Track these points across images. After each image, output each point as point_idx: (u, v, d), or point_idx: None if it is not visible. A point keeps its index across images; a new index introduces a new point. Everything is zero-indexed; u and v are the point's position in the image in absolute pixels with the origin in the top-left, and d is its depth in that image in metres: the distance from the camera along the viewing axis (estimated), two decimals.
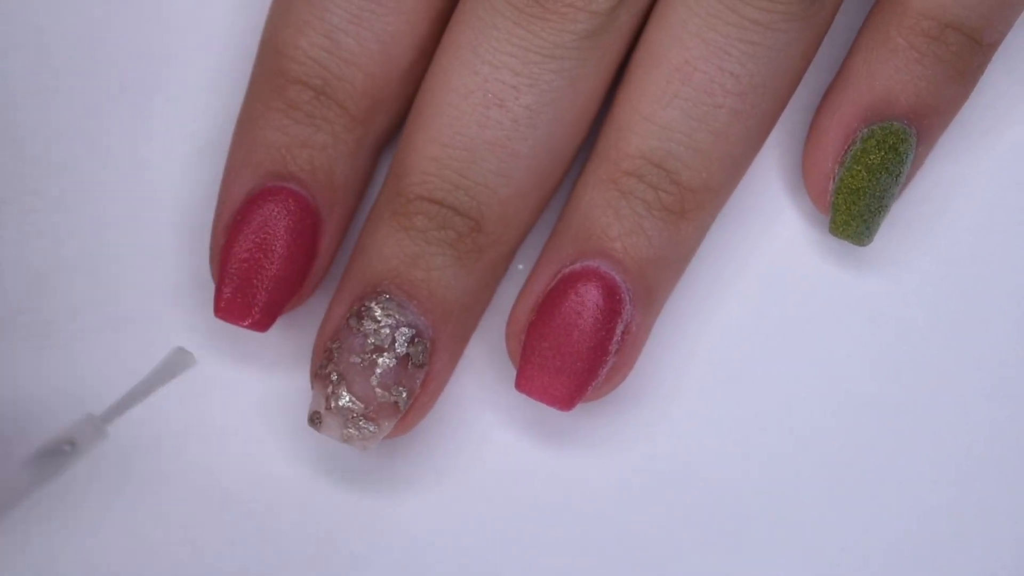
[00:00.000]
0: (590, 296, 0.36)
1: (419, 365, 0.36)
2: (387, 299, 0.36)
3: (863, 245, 0.38)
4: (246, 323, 0.37)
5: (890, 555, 0.39)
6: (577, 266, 0.37)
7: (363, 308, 0.36)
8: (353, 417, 0.36)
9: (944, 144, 0.40)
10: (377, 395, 0.36)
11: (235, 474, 0.39)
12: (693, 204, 0.37)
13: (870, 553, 0.39)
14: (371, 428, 0.36)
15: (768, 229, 0.40)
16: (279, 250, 0.37)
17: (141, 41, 0.40)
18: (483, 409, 0.39)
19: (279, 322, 0.39)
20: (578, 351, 0.36)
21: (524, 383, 0.37)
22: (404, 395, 0.36)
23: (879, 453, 0.39)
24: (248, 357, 0.39)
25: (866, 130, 0.38)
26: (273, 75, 0.37)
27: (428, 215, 0.37)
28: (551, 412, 0.39)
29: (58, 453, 0.33)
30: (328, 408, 0.36)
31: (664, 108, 0.37)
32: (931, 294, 0.40)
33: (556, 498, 0.39)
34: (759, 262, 0.40)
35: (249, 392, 0.39)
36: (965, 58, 0.37)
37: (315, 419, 0.36)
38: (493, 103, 0.36)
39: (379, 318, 0.36)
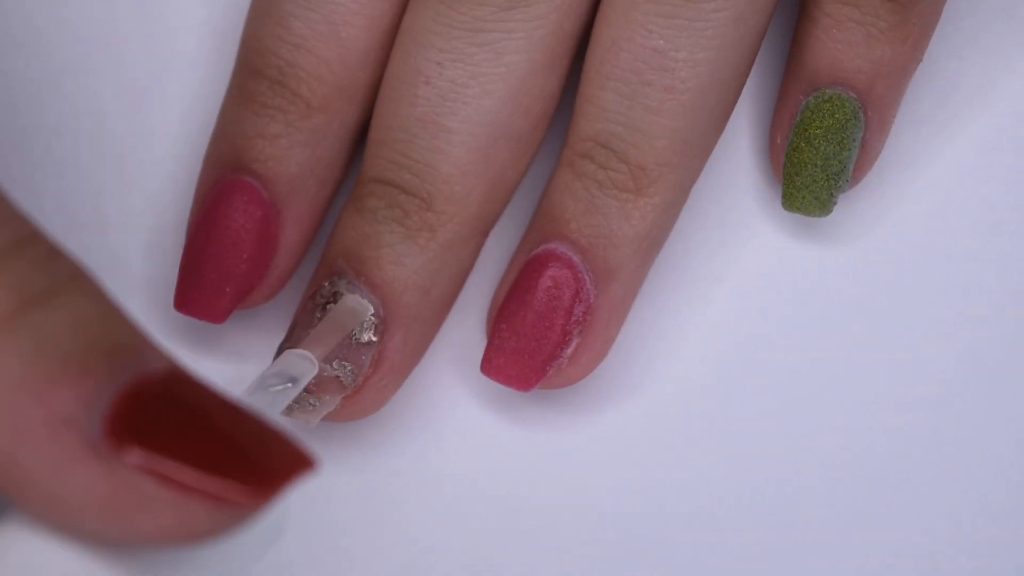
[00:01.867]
0: (545, 277, 0.37)
1: (365, 343, 0.37)
2: (337, 279, 0.37)
3: (819, 216, 0.38)
4: (201, 315, 0.38)
5: (890, 555, 0.38)
6: (540, 250, 0.37)
7: (319, 289, 0.37)
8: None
9: (945, 142, 0.40)
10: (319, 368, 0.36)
11: None
12: (647, 181, 0.37)
13: (870, 553, 0.38)
14: (311, 401, 0.36)
15: (765, 226, 0.40)
16: (234, 244, 0.37)
17: (141, 41, 0.41)
18: (485, 409, 0.39)
19: (275, 319, 0.40)
20: (532, 331, 0.37)
21: (485, 365, 0.37)
22: (348, 369, 0.36)
23: (879, 454, 0.39)
24: (249, 359, 0.40)
25: (803, 101, 0.38)
26: (239, 69, 0.38)
27: (378, 195, 0.37)
28: (551, 410, 0.39)
29: (279, 390, 0.34)
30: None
31: (600, 90, 0.37)
32: (931, 293, 0.40)
33: (558, 498, 0.39)
34: (759, 261, 0.40)
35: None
36: (885, 16, 0.37)
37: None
38: (420, 81, 0.37)
39: (327, 295, 0.37)
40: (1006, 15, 0.40)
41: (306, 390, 0.36)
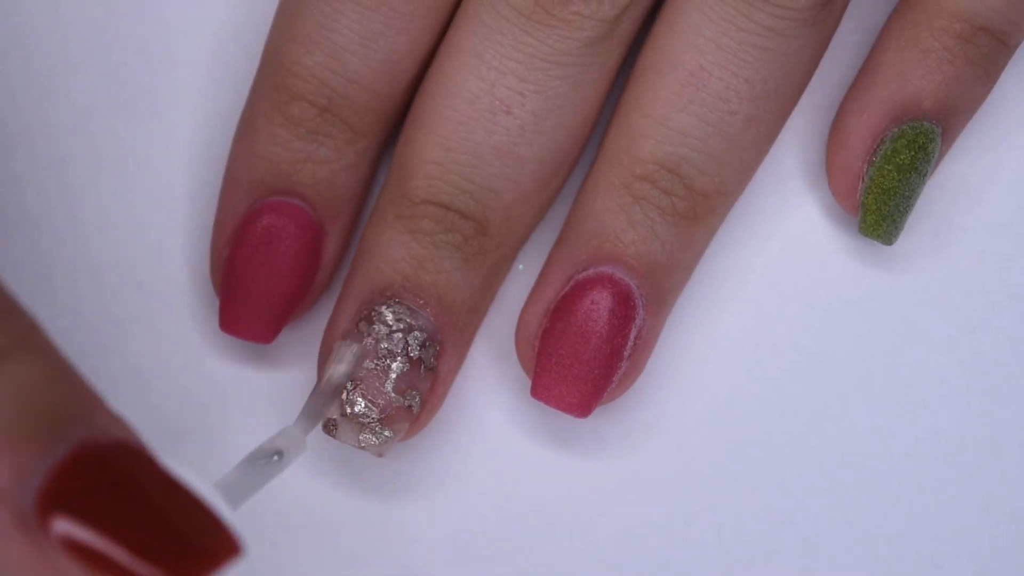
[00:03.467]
0: (605, 303, 0.37)
1: (430, 368, 0.36)
2: (397, 303, 0.36)
3: (890, 244, 0.38)
4: (250, 337, 0.37)
5: (893, 557, 0.39)
6: (591, 272, 0.37)
7: (373, 312, 0.36)
8: (368, 423, 0.36)
9: (956, 144, 0.40)
10: (392, 400, 0.36)
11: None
12: (705, 209, 0.37)
13: (875, 555, 0.39)
14: (387, 433, 0.36)
15: (782, 229, 0.40)
16: (282, 265, 0.37)
17: (142, 42, 0.40)
18: (486, 410, 0.39)
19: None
20: (595, 358, 0.37)
21: (541, 391, 0.37)
22: (417, 399, 0.36)
23: (888, 455, 0.40)
24: (249, 359, 0.39)
25: (896, 130, 0.38)
26: (276, 90, 0.37)
27: (434, 218, 0.37)
28: (553, 414, 0.39)
29: (267, 463, 0.33)
30: (344, 415, 0.36)
31: (679, 113, 0.37)
32: (945, 294, 0.40)
33: (559, 500, 0.39)
34: (771, 263, 0.40)
35: (250, 393, 0.39)
36: (992, 60, 0.38)
37: (331, 426, 0.36)
38: (500, 109, 0.37)
39: (390, 322, 0.36)
40: None
41: (380, 422, 0.36)
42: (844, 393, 0.40)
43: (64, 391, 0.26)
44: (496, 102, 0.37)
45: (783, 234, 0.40)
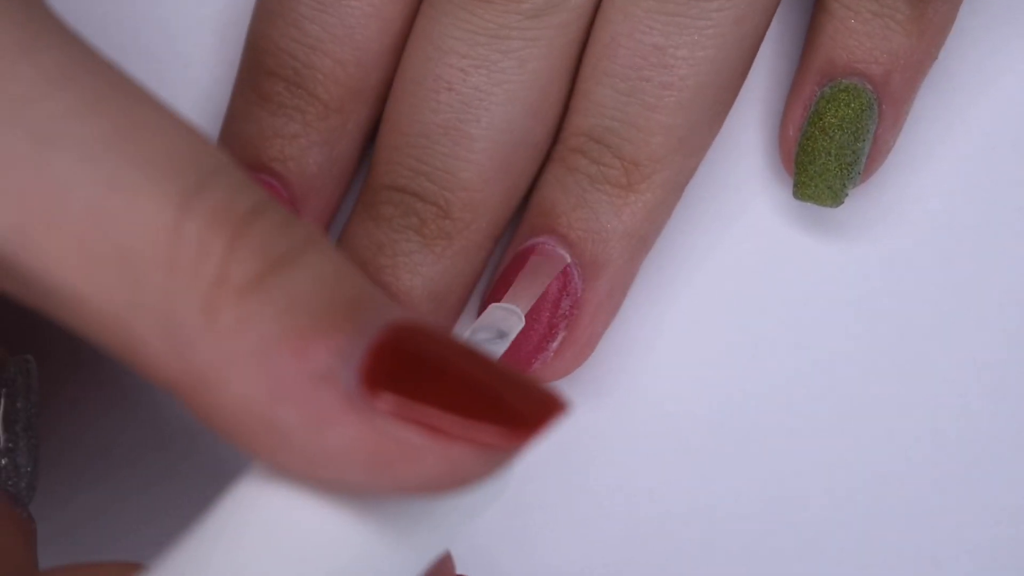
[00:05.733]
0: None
1: None
2: None
3: (830, 206, 0.38)
4: None
5: (890, 553, 0.40)
6: (528, 244, 0.38)
7: None
8: None
9: (948, 142, 0.41)
10: None
11: (239, 473, 0.39)
12: (639, 177, 0.38)
13: (871, 554, 0.40)
14: None
15: (771, 225, 0.41)
16: None
17: (140, 40, 0.40)
18: None
19: None
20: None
21: None
22: None
23: (880, 453, 0.40)
24: None
25: (818, 91, 0.38)
26: (249, 68, 0.38)
27: (393, 203, 0.37)
28: None
29: (491, 342, 0.34)
30: None
31: (596, 85, 0.38)
32: (933, 292, 0.40)
33: (558, 498, 0.40)
34: (760, 259, 0.40)
35: None
36: (903, 9, 0.38)
37: None
38: (443, 87, 0.37)
39: None
40: (1009, 15, 0.41)
41: None
42: (843, 393, 0.40)
43: (360, 281, 0.27)
44: (440, 80, 0.37)
45: (784, 234, 0.41)
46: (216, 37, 0.41)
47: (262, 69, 0.38)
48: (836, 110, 0.38)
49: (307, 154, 0.38)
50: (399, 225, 0.37)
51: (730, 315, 0.40)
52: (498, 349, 0.34)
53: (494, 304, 0.36)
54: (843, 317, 0.40)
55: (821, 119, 0.38)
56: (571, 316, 0.38)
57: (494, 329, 0.34)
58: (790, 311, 0.40)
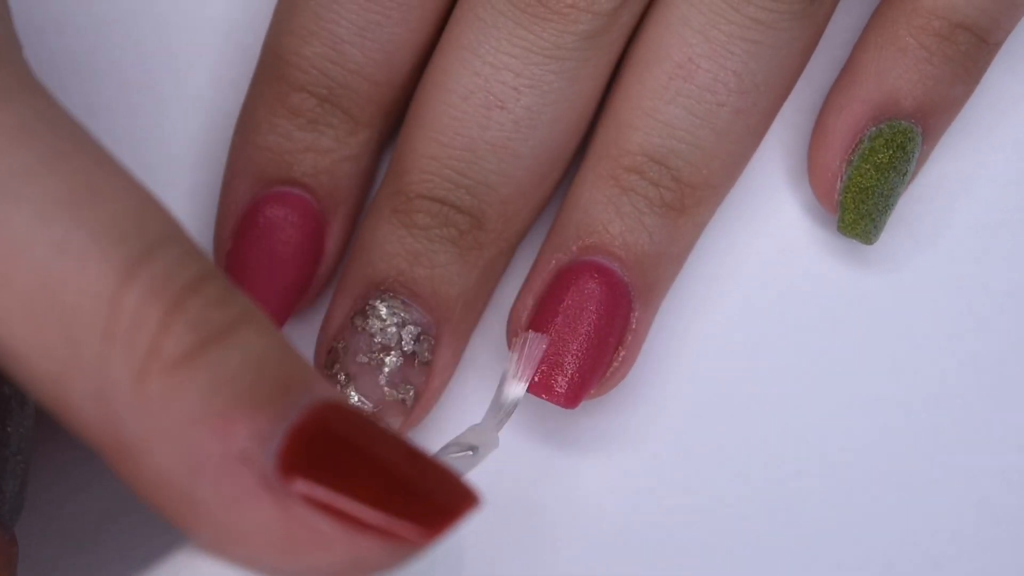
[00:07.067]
0: (593, 292, 0.37)
1: (424, 362, 0.37)
2: (391, 297, 0.37)
3: (870, 243, 0.38)
4: None
5: (891, 556, 0.39)
6: (578, 261, 0.37)
7: (367, 307, 0.37)
8: None
9: (947, 142, 0.40)
10: (385, 394, 0.36)
11: None
12: (693, 201, 0.37)
13: (871, 554, 0.39)
14: None
15: (769, 227, 0.40)
16: (285, 255, 0.37)
17: (141, 41, 0.40)
18: (484, 407, 0.39)
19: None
20: (582, 348, 0.37)
21: (531, 383, 0.37)
22: (411, 393, 0.36)
23: (881, 453, 0.40)
24: None
25: (874, 129, 0.38)
26: (276, 81, 0.37)
27: (430, 213, 0.37)
28: (551, 410, 0.39)
29: (461, 458, 0.34)
30: None
31: (667, 104, 0.37)
32: (933, 292, 0.40)
33: (557, 497, 0.39)
34: (760, 260, 0.40)
35: None
36: (973, 57, 0.37)
37: None
38: (494, 104, 0.37)
39: (384, 317, 0.36)
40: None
41: (373, 415, 0.36)
42: (843, 393, 0.40)
43: (291, 361, 0.27)
44: (491, 97, 0.37)
45: (782, 234, 0.40)
46: (216, 36, 0.41)
47: (292, 84, 0.37)
48: (894, 151, 0.37)
49: (338, 168, 0.38)
50: (435, 235, 0.37)
51: (730, 315, 0.40)
52: (466, 465, 0.34)
53: (473, 425, 0.35)
54: (843, 317, 0.40)
55: (876, 156, 0.38)
56: (627, 339, 0.37)
57: (466, 444, 0.34)
58: (790, 311, 0.40)
